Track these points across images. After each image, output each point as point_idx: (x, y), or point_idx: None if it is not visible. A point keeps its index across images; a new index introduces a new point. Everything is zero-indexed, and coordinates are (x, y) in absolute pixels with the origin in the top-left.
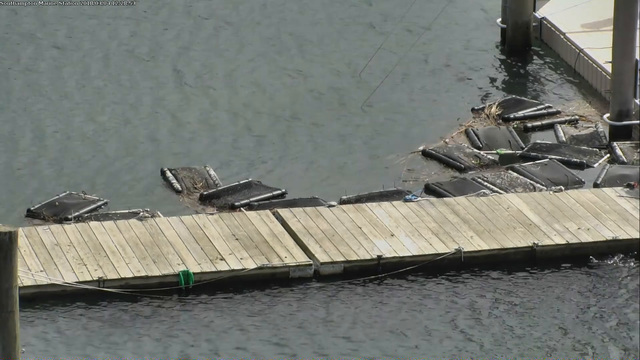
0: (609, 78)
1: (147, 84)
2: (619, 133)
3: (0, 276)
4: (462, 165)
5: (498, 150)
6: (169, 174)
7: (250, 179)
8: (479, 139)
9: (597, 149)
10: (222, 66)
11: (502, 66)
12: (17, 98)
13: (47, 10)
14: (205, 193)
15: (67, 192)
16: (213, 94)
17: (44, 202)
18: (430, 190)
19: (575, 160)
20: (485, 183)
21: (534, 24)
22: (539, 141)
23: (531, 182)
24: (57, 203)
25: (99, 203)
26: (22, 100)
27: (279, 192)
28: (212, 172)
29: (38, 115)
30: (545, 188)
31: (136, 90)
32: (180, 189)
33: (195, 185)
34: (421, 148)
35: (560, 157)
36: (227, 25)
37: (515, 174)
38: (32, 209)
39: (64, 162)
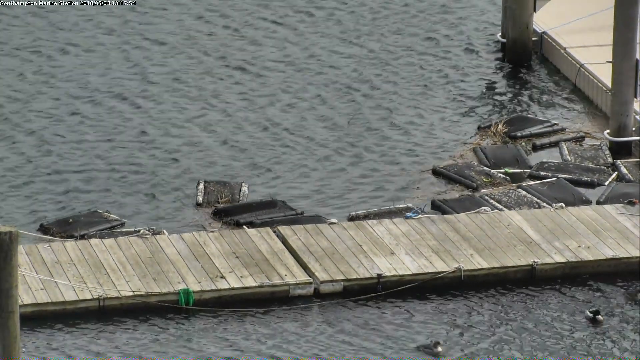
0: (610, 93)
1: (210, 93)
2: (619, 149)
3: (0, 276)
4: (475, 184)
5: (506, 169)
6: (200, 186)
7: (273, 198)
8: (487, 157)
9: (605, 167)
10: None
11: (504, 81)
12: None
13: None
14: (218, 208)
15: (91, 209)
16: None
17: (59, 217)
18: (436, 206)
19: (585, 179)
20: (492, 201)
21: (534, 38)
22: (545, 160)
23: (537, 200)
24: (71, 220)
25: (114, 223)
26: (85, 119)
27: (292, 213)
28: (244, 189)
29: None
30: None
31: (193, 99)
32: (200, 201)
33: (219, 200)
34: (431, 166)
35: (570, 176)
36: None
37: (523, 192)
38: (45, 224)
39: (116, 175)
